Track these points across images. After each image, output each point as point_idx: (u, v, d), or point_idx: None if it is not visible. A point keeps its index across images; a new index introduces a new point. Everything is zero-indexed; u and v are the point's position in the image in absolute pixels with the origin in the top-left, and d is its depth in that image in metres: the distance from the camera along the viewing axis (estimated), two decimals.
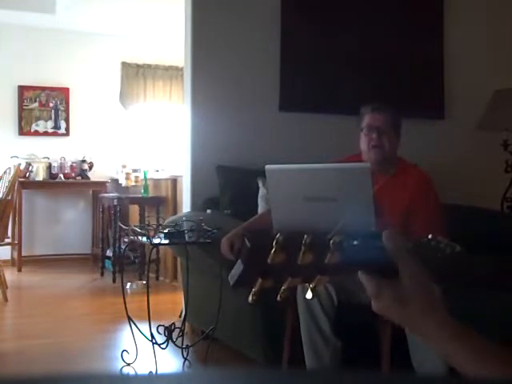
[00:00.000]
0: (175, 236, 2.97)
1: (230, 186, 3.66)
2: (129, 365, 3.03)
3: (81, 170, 6.92)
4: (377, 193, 2.52)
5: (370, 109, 2.75)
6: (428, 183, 2.74)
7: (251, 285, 0.86)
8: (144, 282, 4.94)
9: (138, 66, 7.24)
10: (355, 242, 0.86)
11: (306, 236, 0.84)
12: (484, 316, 2.62)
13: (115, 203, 5.98)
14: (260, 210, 3.44)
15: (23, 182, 6.34)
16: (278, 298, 0.87)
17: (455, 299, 2.47)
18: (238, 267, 0.86)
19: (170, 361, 3.21)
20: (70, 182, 6.85)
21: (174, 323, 3.14)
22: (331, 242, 0.84)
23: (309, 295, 0.87)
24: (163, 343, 3.01)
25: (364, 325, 2.47)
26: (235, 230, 2.66)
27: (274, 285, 0.86)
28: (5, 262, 5.71)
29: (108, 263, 6.06)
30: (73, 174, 6.88)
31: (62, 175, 6.78)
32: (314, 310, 2.47)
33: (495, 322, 2.63)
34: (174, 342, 3.05)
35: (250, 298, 0.86)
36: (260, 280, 0.85)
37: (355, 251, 0.86)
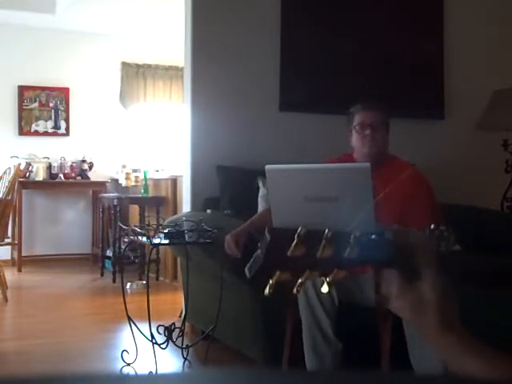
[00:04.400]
0: (175, 236, 2.98)
1: (230, 186, 3.66)
2: (129, 365, 3.03)
3: (81, 170, 6.92)
4: (374, 193, 2.53)
5: (361, 107, 2.82)
6: (420, 178, 2.77)
7: (269, 277, 0.86)
8: (144, 282, 4.94)
9: (138, 66, 7.23)
10: (373, 237, 0.87)
11: (327, 230, 0.85)
12: (484, 316, 2.62)
13: (115, 203, 5.98)
14: (260, 210, 3.44)
15: (23, 181, 6.34)
16: (295, 290, 0.88)
17: (455, 289, 2.47)
18: (257, 259, 0.86)
19: (170, 361, 3.21)
20: (70, 182, 6.85)
21: (174, 323, 3.14)
22: (352, 236, 0.85)
23: (325, 289, 0.88)
24: (163, 343, 3.01)
25: (365, 326, 2.47)
26: (238, 228, 2.68)
27: (292, 278, 0.87)
28: (5, 261, 5.71)
29: (108, 263, 6.06)
30: (73, 174, 6.88)
31: (61, 175, 6.78)
32: (315, 311, 2.47)
33: (495, 322, 2.63)
34: (174, 342, 3.05)
35: (267, 291, 0.87)
36: (278, 272, 0.85)
37: (373, 246, 0.87)
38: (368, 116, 2.78)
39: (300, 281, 0.87)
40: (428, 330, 0.86)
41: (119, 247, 5.69)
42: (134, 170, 6.67)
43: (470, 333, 0.85)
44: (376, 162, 2.73)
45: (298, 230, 0.85)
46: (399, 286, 0.89)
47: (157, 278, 5.74)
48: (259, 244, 0.88)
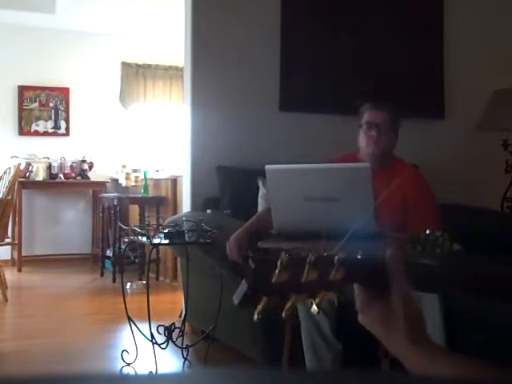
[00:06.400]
0: (175, 236, 2.97)
1: (230, 186, 3.66)
2: (129, 365, 3.03)
3: (81, 170, 6.92)
4: (374, 193, 2.52)
5: (370, 106, 2.76)
6: (422, 181, 2.76)
7: (256, 303, 0.86)
8: (144, 282, 4.94)
9: (137, 65, 7.23)
10: (359, 256, 0.87)
11: (310, 254, 0.84)
12: (484, 317, 2.61)
13: (115, 203, 5.98)
14: (260, 210, 3.43)
15: (23, 181, 6.34)
16: (283, 315, 0.87)
17: (455, 300, 2.47)
18: (243, 287, 0.87)
19: (170, 361, 3.21)
20: (69, 182, 6.85)
21: (174, 323, 3.14)
22: (336, 258, 0.85)
23: (314, 310, 0.88)
24: (163, 343, 3.01)
25: (364, 326, 2.47)
26: (239, 231, 2.66)
27: (279, 302, 0.87)
28: (5, 261, 5.71)
29: (108, 263, 6.06)
30: (73, 174, 6.88)
31: (61, 175, 6.78)
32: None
33: (495, 322, 2.63)
34: (174, 342, 3.05)
35: (256, 316, 0.87)
36: (265, 298, 0.85)
37: (360, 265, 0.86)
38: (376, 116, 2.72)
39: (288, 305, 0.87)
40: (396, 343, 0.86)
41: (119, 247, 5.70)
42: (134, 170, 6.68)
43: (439, 345, 0.85)
44: (379, 163, 2.72)
45: (281, 257, 0.85)
46: (364, 298, 0.89)
47: (157, 278, 5.74)
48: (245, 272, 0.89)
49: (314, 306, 0.87)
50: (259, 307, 0.86)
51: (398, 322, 0.86)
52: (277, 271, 0.84)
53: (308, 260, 0.84)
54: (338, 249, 0.87)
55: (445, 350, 0.84)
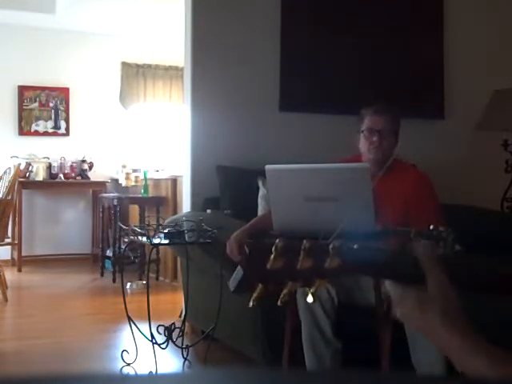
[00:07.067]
0: (175, 236, 2.98)
1: (230, 186, 3.66)
2: (129, 365, 3.03)
3: (81, 170, 6.92)
4: (375, 193, 2.52)
5: (372, 111, 2.73)
6: (425, 181, 2.74)
7: (251, 290, 0.86)
8: (144, 282, 4.94)
9: (137, 65, 7.23)
10: (355, 246, 0.86)
11: (304, 241, 0.84)
12: (484, 318, 2.62)
13: (115, 203, 5.98)
14: (260, 209, 3.44)
15: (23, 181, 6.34)
16: (279, 302, 0.87)
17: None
18: (238, 273, 0.87)
19: (170, 361, 3.21)
20: (69, 182, 6.85)
21: (174, 323, 3.14)
22: (330, 246, 0.84)
23: (310, 299, 0.87)
24: (163, 343, 3.02)
25: (364, 326, 2.47)
26: (239, 231, 2.65)
27: (274, 289, 0.86)
28: (5, 261, 5.71)
29: (108, 263, 6.06)
30: (73, 174, 6.88)
31: (61, 175, 6.78)
32: (315, 312, 2.47)
33: (495, 323, 2.63)
34: (174, 342, 3.05)
35: (251, 303, 0.86)
36: (260, 285, 0.85)
37: (355, 254, 0.86)
38: (377, 122, 2.70)
39: (283, 293, 0.86)
40: (431, 325, 0.87)
41: (119, 247, 5.70)
42: (134, 170, 6.68)
43: (476, 331, 0.85)
44: (381, 166, 2.72)
45: (275, 243, 0.84)
46: (399, 293, 0.89)
47: (157, 278, 5.74)
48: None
49: (310, 296, 0.87)
50: (254, 294, 0.85)
51: (434, 304, 0.86)
52: (271, 257, 0.84)
53: (303, 247, 0.84)
54: (334, 237, 0.87)
55: (480, 338, 0.85)
